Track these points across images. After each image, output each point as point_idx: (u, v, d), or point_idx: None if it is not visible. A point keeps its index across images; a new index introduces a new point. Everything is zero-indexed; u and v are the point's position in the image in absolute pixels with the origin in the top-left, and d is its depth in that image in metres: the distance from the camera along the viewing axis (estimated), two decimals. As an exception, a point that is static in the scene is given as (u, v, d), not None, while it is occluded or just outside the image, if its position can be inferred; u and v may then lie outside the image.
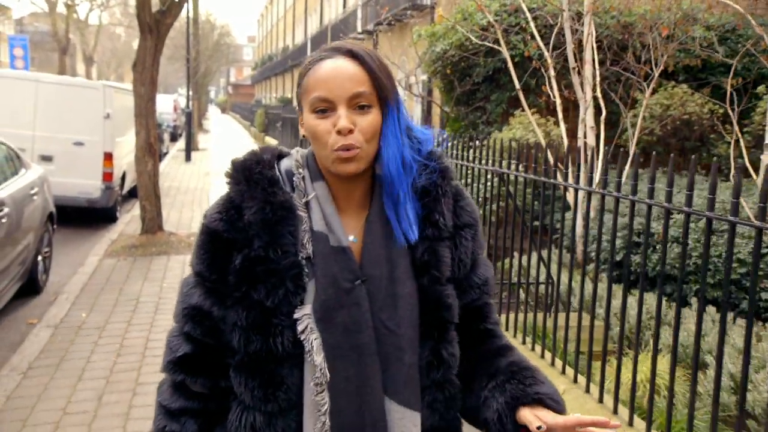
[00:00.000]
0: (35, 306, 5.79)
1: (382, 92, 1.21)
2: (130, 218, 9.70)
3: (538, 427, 1.16)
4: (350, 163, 1.18)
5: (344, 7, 24.71)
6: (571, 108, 8.04)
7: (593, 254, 4.33)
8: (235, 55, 62.85)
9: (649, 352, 3.58)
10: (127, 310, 5.53)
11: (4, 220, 5.00)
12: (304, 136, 1.25)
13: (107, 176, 9.15)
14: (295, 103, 1.50)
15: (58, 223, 7.04)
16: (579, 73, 6.39)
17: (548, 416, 1.18)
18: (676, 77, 9.35)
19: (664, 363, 3.48)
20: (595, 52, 6.72)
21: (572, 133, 7.15)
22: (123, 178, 10.20)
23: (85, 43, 47.37)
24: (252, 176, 1.23)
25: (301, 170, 1.26)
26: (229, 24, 76.15)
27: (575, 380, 3.35)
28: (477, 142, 5.42)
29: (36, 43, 46.65)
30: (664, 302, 4.34)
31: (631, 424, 2.89)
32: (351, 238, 1.24)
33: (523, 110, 9.02)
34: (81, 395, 3.93)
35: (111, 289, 6.16)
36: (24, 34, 42.52)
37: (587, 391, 3.23)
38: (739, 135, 6.83)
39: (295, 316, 1.19)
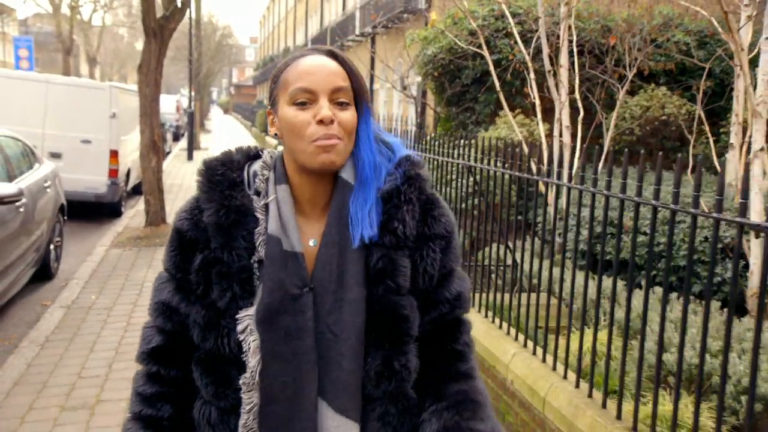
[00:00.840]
0: (48, 290, 6.24)
1: (360, 93, 1.23)
2: (134, 213, 10.15)
3: None
4: (331, 152, 1.17)
5: (344, 9, 25.17)
6: (581, 111, 8.47)
7: (570, 243, 4.75)
8: (237, 56, 63.33)
9: (603, 328, 4.01)
10: (133, 294, 5.98)
11: (21, 210, 5.45)
12: (275, 135, 1.27)
13: (113, 173, 9.60)
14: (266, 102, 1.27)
15: (67, 216, 7.49)
16: (555, 76, 6.83)
17: None
18: (657, 80, 9.78)
19: (616, 339, 3.90)
20: (576, 56, 7.16)
21: (553, 133, 7.58)
22: (128, 174, 10.66)
23: (88, 44, 47.80)
24: (213, 177, 1.23)
25: (266, 172, 1.26)
26: (231, 25, 76.49)
27: (534, 352, 3.77)
28: (462, 141, 5.86)
29: (40, 43, 47.08)
30: (621, 284, 4.78)
31: (577, 386, 3.30)
32: (311, 242, 1.24)
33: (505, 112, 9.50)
34: (93, 363, 4.39)
35: (117, 275, 6.61)
36: (28, 35, 43.03)
37: (554, 369, 3.61)
38: (710, 135, 7.26)
39: (237, 316, 1.19)
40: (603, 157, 6.44)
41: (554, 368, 3.27)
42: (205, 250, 1.22)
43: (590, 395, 2.95)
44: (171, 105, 26.52)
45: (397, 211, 1.22)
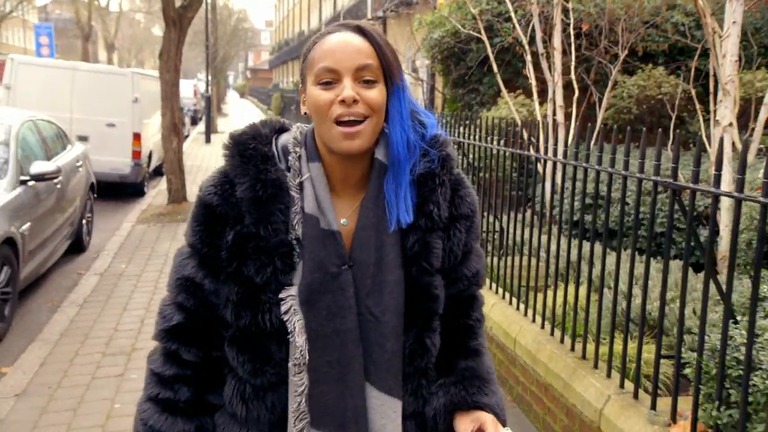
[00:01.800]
0: (82, 261, 6.82)
1: (388, 69, 1.19)
2: (156, 192, 10.74)
3: None
4: (354, 139, 1.15)
5: (356, -7, 25.51)
6: (576, 91, 8.85)
7: (564, 215, 5.20)
8: (252, 40, 63.60)
9: (582, 285, 4.48)
10: (159, 263, 6.55)
11: (58, 186, 6.02)
12: (305, 113, 1.24)
13: (136, 154, 10.17)
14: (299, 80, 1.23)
15: (96, 194, 8.07)
16: (548, 58, 7.25)
17: (487, 425, 1.24)
18: (655, 60, 10.13)
19: (593, 295, 4.37)
20: (572, 38, 7.57)
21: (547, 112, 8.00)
22: (150, 156, 11.23)
23: (106, 30, 48.41)
24: (246, 151, 1.21)
25: (297, 149, 1.23)
26: (247, 9, 76.73)
27: (517, 308, 4.24)
28: (466, 121, 6.31)
29: (59, 30, 47.78)
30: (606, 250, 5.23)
31: (572, 349, 3.69)
32: (342, 221, 1.23)
33: (510, 92, 9.93)
34: (127, 319, 4.96)
35: (144, 247, 7.19)
36: (48, 22, 43.76)
37: (525, 315, 4.09)
38: (700, 113, 7.66)
39: (280, 296, 1.18)
40: (596, 134, 6.88)
41: (525, 314, 3.77)
42: (237, 225, 1.19)
43: (552, 334, 3.45)
44: (188, 90, 27.08)
45: (431, 194, 1.23)
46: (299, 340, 1.17)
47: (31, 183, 5.38)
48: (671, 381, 2.82)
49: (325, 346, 1.19)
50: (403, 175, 1.21)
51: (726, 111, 5.18)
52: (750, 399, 2.11)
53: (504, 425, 1.26)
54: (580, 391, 2.93)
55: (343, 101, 1.14)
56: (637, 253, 5.10)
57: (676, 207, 2.75)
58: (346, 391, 1.20)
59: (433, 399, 1.28)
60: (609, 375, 2.91)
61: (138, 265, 6.46)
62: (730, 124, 5.12)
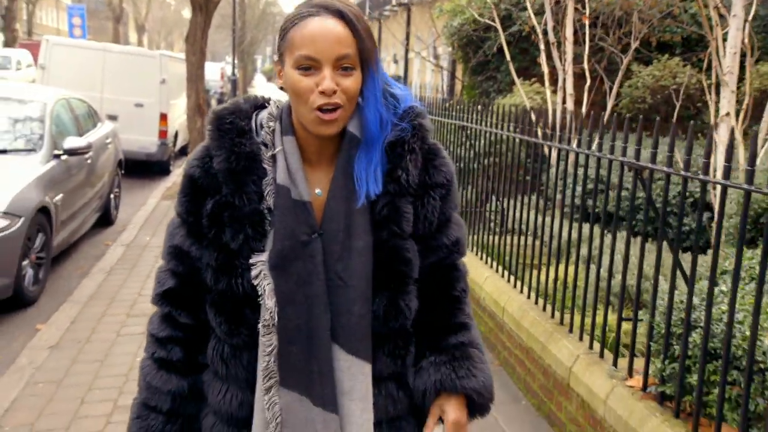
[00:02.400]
0: (109, 233, 7.23)
1: (365, 55, 1.24)
2: (181, 171, 11.12)
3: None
4: (330, 126, 1.22)
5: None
6: (588, 79, 9.02)
7: (567, 198, 5.43)
8: (280, 24, 63.84)
9: (571, 264, 4.74)
10: (182, 236, 6.93)
11: (89, 161, 6.40)
12: (281, 87, 1.30)
13: (162, 134, 10.57)
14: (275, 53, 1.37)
15: (123, 171, 8.47)
16: (559, 47, 7.46)
17: (450, 413, 1.32)
18: (673, 50, 10.24)
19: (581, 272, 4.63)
20: (587, 28, 7.75)
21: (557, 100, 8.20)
22: (175, 136, 11.63)
23: (137, 12, 49.11)
24: (223, 126, 1.28)
25: (272, 123, 1.30)
26: (275, -7, 76.79)
27: (508, 280, 4.51)
28: (479, 107, 6.55)
29: (91, 11, 48.51)
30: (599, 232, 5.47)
31: (552, 316, 3.92)
32: (317, 191, 1.29)
33: (526, 80, 10.13)
34: (150, 285, 5.29)
35: (168, 221, 7.57)
36: (81, 3, 44.49)
37: (514, 287, 4.35)
38: (712, 103, 7.80)
39: (251, 261, 1.25)
40: (604, 121, 7.07)
41: (514, 286, 4.05)
42: (216, 195, 1.27)
43: (536, 302, 3.73)
44: (215, 72, 27.50)
45: (401, 160, 1.28)
46: (269, 302, 1.24)
47: (63, 157, 5.76)
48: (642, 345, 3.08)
49: (295, 310, 1.25)
50: (374, 152, 1.27)
51: (724, 101, 5.38)
52: (689, 353, 2.38)
53: (488, 405, 1.35)
54: (554, 352, 3.22)
55: (323, 92, 1.20)
56: (635, 236, 5.36)
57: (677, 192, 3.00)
58: (313, 353, 1.26)
59: (424, 374, 1.33)
60: (581, 338, 3.19)
61: (161, 238, 6.82)
62: (728, 114, 5.32)
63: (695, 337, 2.36)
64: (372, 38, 1.26)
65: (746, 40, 6.70)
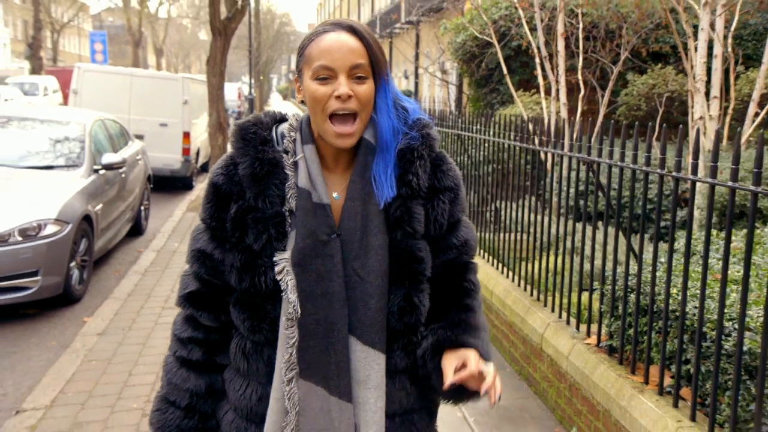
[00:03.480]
0: (141, 241, 7.87)
1: (377, 66, 1.34)
2: (203, 186, 11.80)
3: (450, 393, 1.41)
4: (346, 140, 1.33)
5: (392, -2, 26.42)
6: (574, 89, 9.57)
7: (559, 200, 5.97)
8: (295, 43, 64.77)
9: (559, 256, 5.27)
10: (207, 243, 7.55)
11: (123, 175, 7.06)
12: (302, 101, 1.39)
13: (186, 151, 11.26)
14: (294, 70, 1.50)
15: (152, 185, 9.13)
16: (550, 60, 8.02)
17: (469, 360, 1.33)
18: (666, 59, 10.76)
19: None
20: (581, 41, 8.31)
21: (569, 110, 8.74)
22: (197, 153, 12.33)
23: (155, 36, 50.31)
24: (247, 135, 1.38)
25: (293, 134, 1.39)
26: (290, 13, 78.14)
27: (497, 268, 5.03)
28: (482, 118, 7.11)
29: (111, 37, 49.95)
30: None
31: (531, 294, 4.48)
32: (335, 195, 1.38)
33: (526, 91, 10.70)
34: (181, 284, 5.95)
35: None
36: (102, 30, 45.85)
37: (501, 272, 4.89)
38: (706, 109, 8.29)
39: (275, 259, 1.34)
40: (597, 129, 7.61)
41: (502, 272, 4.60)
42: (239, 201, 1.36)
43: (518, 284, 4.28)
44: (233, 92, 28.30)
45: (411, 166, 1.37)
46: (292, 296, 1.32)
47: (101, 172, 6.42)
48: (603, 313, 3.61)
49: (314, 306, 1.33)
50: (390, 157, 1.37)
51: (697, 107, 5.92)
52: (630, 311, 2.92)
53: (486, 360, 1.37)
54: (531, 323, 3.77)
55: (339, 97, 1.30)
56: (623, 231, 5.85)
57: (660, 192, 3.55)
58: (330, 346, 1.34)
59: (423, 341, 1.41)
60: (552, 310, 3.73)
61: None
62: (701, 118, 5.86)
63: (633, 298, 2.90)
64: (382, 52, 1.37)
65: (730, 50, 7.26)
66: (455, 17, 13.59)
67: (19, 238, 4.99)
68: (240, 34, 33.70)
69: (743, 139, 6.67)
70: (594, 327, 3.32)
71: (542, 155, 4.30)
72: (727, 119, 8.03)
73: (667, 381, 2.67)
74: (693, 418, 2.42)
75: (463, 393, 1.38)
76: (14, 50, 47.62)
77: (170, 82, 11.30)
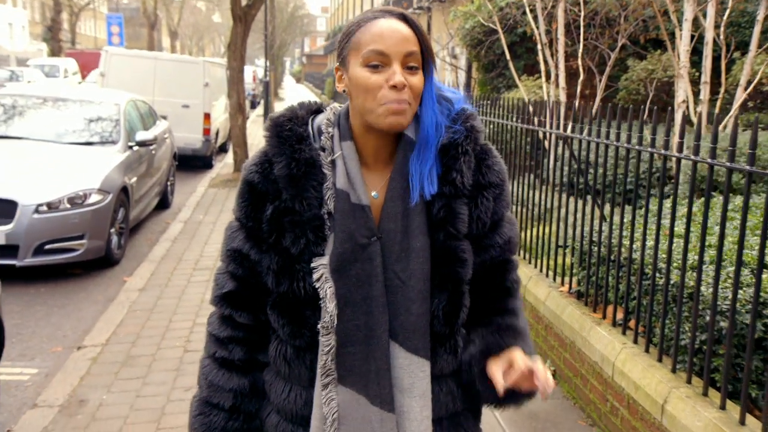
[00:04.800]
0: (168, 214, 8.51)
1: (427, 55, 1.28)
2: (222, 165, 12.44)
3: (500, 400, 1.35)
4: (400, 115, 1.24)
5: (405, -18, 26.80)
6: (581, 74, 10.05)
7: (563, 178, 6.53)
8: (308, 26, 65.16)
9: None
10: (229, 216, 8.08)
11: (153, 152, 7.68)
12: (343, 91, 1.32)
13: (206, 131, 11.87)
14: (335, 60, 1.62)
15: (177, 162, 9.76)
16: (550, 46, 8.54)
17: (516, 360, 1.25)
18: (665, 46, 11.20)
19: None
20: (582, 28, 8.81)
21: (569, 94, 9.26)
22: (217, 134, 12.94)
23: (170, 18, 50.82)
24: (282, 132, 1.31)
25: (330, 129, 1.32)
26: (303, -4, 78.24)
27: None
28: (488, 101, 7.64)
29: (126, 19, 50.48)
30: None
31: (523, 257, 5.08)
32: (374, 194, 1.32)
33: (530, 76, 11.21)
34: (207, 250, 6.58)
35: (216, 204, 8.85)
36: (118, 12, 46.45)
37: None
38: (703, 93, 8.78)
39: (312, 265, 1.29)
40: (594, 111, 8.13)
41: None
42: (276, 201, 1.30)
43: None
44: (248, 75, 28.80)
45: (455, 162, 1.30)
46: (330, 305, 1.27)
47: (135, 148, 7.04)
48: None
49: (354, 311, 1.28)
50: (429, 154, 1.29)
51: (680, 91, 6.46)
52: (593, 262, 3.50)
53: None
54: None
55: (394, 86, 1.22)
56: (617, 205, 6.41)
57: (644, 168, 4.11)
58: (371, 353, 1.29)
59: (470, 346, 1.36)
60: (536, 266, 4.32)
61: (213, 216, 8.11)
62: (683, 101, 6.40)
63: (595, 251, 3.48)
64: (431, 44, 1.31)
65: (722, 38, 7.78)
66: (464, 5, 14.08)
67: (68, 206, 5.62)
68: (256, 18, 34.15)
69: (724, 122, 7.19)
70: (567, 279, 3.91)
71: (520, 130, 4.85)
72: (718, 103, 8.54)
73: (621, 316, 3.26)
74: (635, 341, 3.01)
75: (514, 395, 1.32)
76: (32, 32, 48.35)
77: (192, 66, 11.89)
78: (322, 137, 1.32)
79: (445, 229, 1.30)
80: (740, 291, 2.55)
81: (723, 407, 2.39)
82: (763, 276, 2.46)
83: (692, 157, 2.71)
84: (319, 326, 1.29)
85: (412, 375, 1.30)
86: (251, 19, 10.11)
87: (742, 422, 2.28)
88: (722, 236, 2.48)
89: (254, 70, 32.46)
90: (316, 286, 1.28)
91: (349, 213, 1.28)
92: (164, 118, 11.29)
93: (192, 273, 5.85)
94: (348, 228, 1.28)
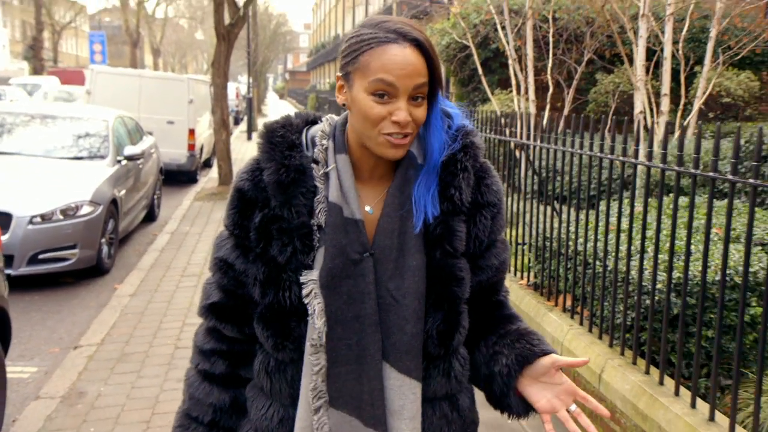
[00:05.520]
0: (155, 226, 8.80)
1: (436, 84, 1.25)
2: (207, 179, 12.74)
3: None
4: (400, 149, 1.23)
5: (385, 1, 27.38)
6: (551, 87, 10.48)
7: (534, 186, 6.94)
8: (291, 43, 65.61)
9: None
10: (215, 226, 8.49)
11: (140, 166, 7.99)
12: (343, 104, 1.28)
13: (191, 147, 12.18)
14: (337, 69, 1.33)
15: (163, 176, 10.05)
16: (521, 62, 8.98)
17: (558, 359, 1.28)
18: (631, 61, 11.70)
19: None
20: (551, 44, 9.27)
21: (540, 107, 9.71)
22: (201, 149, 13.25)
23: (152, 36, 51.09)
24: (274, 138, 1.29)
25: (324, 141, 1.30)
26: (286, 13, 78.91)
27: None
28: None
29: (108, 37, 50.68)
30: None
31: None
32: (368, 208, 1.29)
33: (504, 89, 11.67)
34: (195, 258, 6.89)
35: (202, 216, 9.15)
36: (100, 31, 46.67)
37: None
38: (660, 106, 9.25)
39: (301, 279, 1.25)
40: (562, 122, 8.55)
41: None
42: (265, 209, 1.28)
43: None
44: (231, 92, 29.12)
45: (453, 179, 1.28)
46: (318, 322, 1.24)
47: (123, 162, 7.34)
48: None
49: (345, 330, 1.25)
50: (434, 177, 1.27)
51: (637, 102, 6.90)
52: (547, 256, 3.87)
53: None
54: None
55: (396, 122, 1.20)
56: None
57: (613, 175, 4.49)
58: (363, 373, 1.25)
59: (501, 358, 1.33)
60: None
61: (199, 227, 8.42)
62: (641, 112, 6.85)
63: (549, 246, 3.86)
64: (441, 69, 1.27)
65: (680, 53, 8.26)
66: (440, 22, 14.56)
67: (61, 217, 5.92)
68: (239, 35, 34.52)
69: (677, 132, 7.60)
70: (526, 273, 4.28)
71: (493, 141, 5.26)
72: (678, 114, 9.00)
73: (571, 303, 3.63)
74: (581, 323, 3.38)
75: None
76: (12, 51, 48.40)
77: (176, 83, 12.22)
78: (315, 148, 1.30)
79: (442, 246, 1.28)
80: (662, 274, 2.93)
81: (647, 372, 2.76)
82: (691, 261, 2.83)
83: (646, 162, 3.08)
84: (307, 344, 1.27)
85: (403, 397, 1.27)
86: (234, 37, 10.48)
87: (661, 382, 2.65)
88: (658, 231, 2.85)
89: (237, 87, 32.78)
90: (306, 302, 1.26)
91: (341, 227, 1.25)
92: (150, 134, 11.67)
93: (180, 279, 6.15)
94: (339, 243, 1.25)
